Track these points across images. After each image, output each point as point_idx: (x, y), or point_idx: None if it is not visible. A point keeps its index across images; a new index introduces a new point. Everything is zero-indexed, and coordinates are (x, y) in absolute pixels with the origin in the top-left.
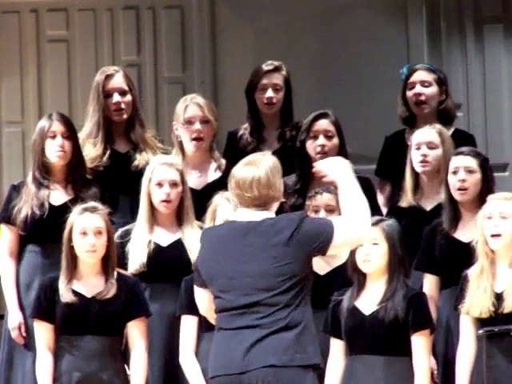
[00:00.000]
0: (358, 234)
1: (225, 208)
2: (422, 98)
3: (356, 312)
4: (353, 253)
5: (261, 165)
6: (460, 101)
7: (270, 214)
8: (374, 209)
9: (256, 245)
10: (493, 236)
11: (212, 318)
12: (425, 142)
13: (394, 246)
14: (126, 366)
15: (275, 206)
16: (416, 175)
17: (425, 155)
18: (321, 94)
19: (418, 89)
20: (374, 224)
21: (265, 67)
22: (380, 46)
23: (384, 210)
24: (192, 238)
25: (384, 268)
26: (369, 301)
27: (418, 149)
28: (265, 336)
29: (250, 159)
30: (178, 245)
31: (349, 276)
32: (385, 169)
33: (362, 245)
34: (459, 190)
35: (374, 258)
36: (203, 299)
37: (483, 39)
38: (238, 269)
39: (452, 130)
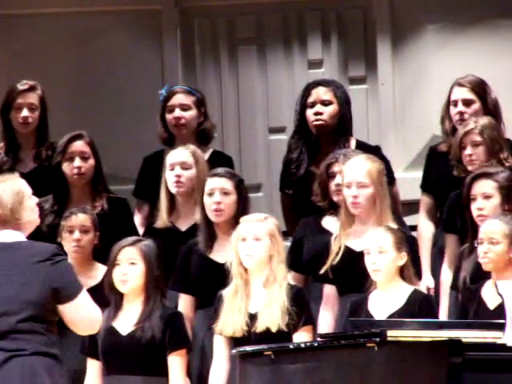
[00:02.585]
0: (89, 318)
1: None
2: (182, 121)
3: (113, 332)
4: (109, 272)
5: None
6: (215, 122)
7: (19, 235)
8: (131, 230)
9: (4, 268)
10: (247, 256)
11: None
12: (178, 162)
13: (151, 267)
14: None
15: (23, 228)
16: (171, 196)
17: (178, 176)
18: (78, 115)
19: (178, 113)
20: (132, 244)
21: (19, 87)
22: (135, 68)
23: (141, 231)
24: None
25: (141, 288)
26: (126, 321)
27: (172, 169)
28: (8, 358)
29: None
30: None
31: (106, 295)
32: (143, 189)
33: (119, 264)
34: (215, 211)
35: (132, 278)
36: None
37: (237, 60)
38: None
39: (210, 151)
